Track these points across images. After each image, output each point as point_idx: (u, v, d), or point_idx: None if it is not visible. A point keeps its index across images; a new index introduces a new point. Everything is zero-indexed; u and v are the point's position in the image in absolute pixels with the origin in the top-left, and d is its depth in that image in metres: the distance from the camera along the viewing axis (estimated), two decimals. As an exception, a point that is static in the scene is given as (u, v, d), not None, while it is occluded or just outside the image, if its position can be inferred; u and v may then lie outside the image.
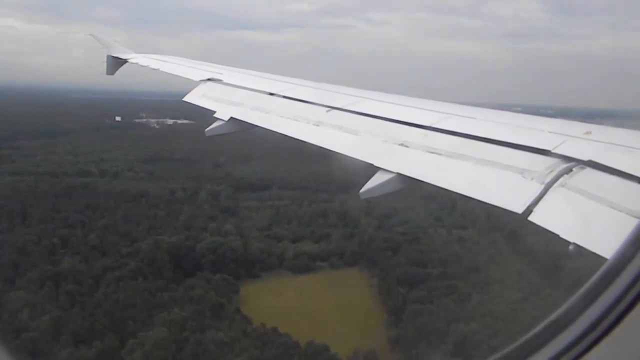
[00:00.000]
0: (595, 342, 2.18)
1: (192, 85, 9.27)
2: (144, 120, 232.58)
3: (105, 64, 12.66)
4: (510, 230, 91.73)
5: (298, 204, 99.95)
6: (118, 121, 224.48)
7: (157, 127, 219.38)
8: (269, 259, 73.49)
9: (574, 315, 2.27)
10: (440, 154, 4.71)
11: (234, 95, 7.98)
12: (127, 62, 12.22)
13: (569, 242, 3.20)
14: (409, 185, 4.70)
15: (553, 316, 2.36)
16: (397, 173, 4.70)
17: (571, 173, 3.74)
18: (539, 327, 2.39)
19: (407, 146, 5.03)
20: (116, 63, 12.33)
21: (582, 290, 2.30)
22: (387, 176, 4.71)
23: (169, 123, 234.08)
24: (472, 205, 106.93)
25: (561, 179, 3.71)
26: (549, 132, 4.48)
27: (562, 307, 2.34)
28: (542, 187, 3.70)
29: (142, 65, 11.42)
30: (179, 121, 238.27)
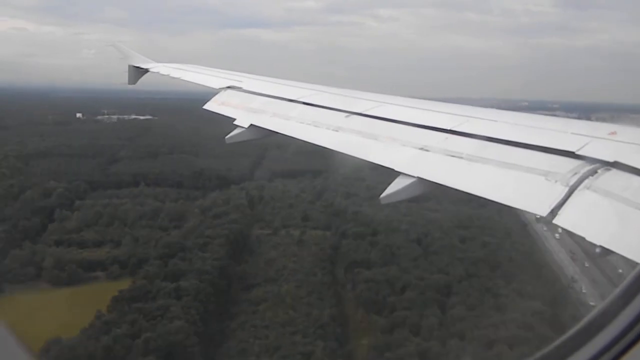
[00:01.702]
0: (632, 343, 2.13)
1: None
2: (105, 116, 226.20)
3: (126, 73, 12.19)
4: (342, 231, 77.56)
5: (140, 202, 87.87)
6: (78, 118, 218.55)
7: (108, 122, 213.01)
8: (24, 269, 61.48)
9: (609, 317, 2.21)
10: (461, 158, 4.39)
11: (254, 102, 7.48)
12: (148, 71, 11.74)
13: (595, 245, 2.95)
14: (430, 190, 4.39)
15: (589, 317, 2.32)
16: (418, 177, 4.36)
17: (596, 175, 3.47)
18: (576, 329, 2.33)
19: (427, 150, 4.69)
20: (137, 72, 11.81)
21: (616, 292, 2.27)
22: (407, 181, 4.37)
23: (128, 118, 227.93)
24: (318, 206, 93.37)
25: (586, 181, 3.45)
26: (572, 133, 4.14)
27: (597, 308, 2.31)
28: (566, 189, 3.44)
29: (162, 74, 11.03)
30: (141, 117, 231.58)
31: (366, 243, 68.49)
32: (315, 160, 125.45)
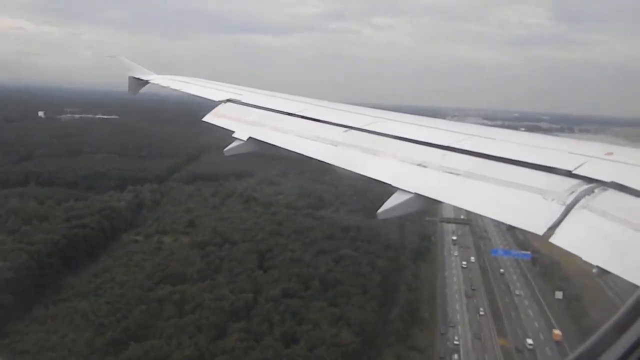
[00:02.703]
0: None
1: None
2: (68, 115, 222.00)
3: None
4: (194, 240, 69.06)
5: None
6: (39, 116, 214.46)
7: (68, 120, 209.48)
8: None
9: (602, 346, 2.19)
10: (458, 175, 4.33)
11: (253, 115, 7.48)
12: (148, 82, 11.81)
13: (592, 265, 2.98)
14: (427, 206, 4.38)
15: (581, 348, 2.27)
16: (416, 193, 4.29)
17: (593, 194, 3.47)
18: (570, 358, 2.32)
19: (425, 166, 4.65)
20: (138, 84, 11.87)
21: (611, 321, 2.21)
22: (405, 196, 4.30)
23: (93, 117, 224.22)
24: (217, 211, 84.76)
25: (582, 201, 3.45)
26: (569, 152, 4.16)
27: (591, 338, 2.24)
28: (563, 208, 3.44)
29: (163, 86, 11.11)
30: (105, 116, 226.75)
31: (201, 254, 60.18)
32: (250, 163, 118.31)
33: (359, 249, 64.73)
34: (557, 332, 56.54)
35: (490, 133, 5.17)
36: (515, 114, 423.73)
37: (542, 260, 75.40)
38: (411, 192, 4.26)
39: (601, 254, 2.99)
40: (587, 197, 3.41)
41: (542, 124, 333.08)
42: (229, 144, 6.64)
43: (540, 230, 3.32)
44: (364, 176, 4.90)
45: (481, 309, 62.30)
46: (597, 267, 2.90)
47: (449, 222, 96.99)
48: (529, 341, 55.01)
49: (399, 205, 4.24)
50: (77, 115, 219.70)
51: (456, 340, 54.10)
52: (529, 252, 77.25)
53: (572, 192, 3.49)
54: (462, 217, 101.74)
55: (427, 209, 4.50)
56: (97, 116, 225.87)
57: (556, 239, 3.23)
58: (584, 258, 2.98)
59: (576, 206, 3.37)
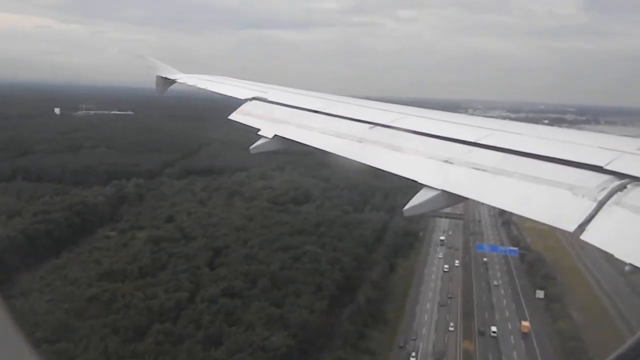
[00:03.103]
0: None
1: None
2: (83, 112, 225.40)
3: (155, 84, 12.42)
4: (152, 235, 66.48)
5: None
6: (55, 113, 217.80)
7: (82, 116, 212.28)
8: None
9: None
10: (485, 171, 4.26)
11: (278, 113, 7.49)
12: (175, 82, 11.84)
13: (624, 263, 2.92)
14: (453, 202, 4.31)
15: (618, 352, 2.22)
16: (442, 190, 4.20)
17: (625, 190, 3.40)
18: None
19: (451, 163, 4.57)
20: (165, 83, 11.93)
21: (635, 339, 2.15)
22: (431, 193, 4.21)
23: (108, 113, 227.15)
24: (201, 205, 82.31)
25: (615, 197, 3.39)
26: (600, 147, 4.07)
27: (629, 342, 2.20)
28: (594, 204, 3.37)
29: (189, 85, 11.28)
30: (119, 112, 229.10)
31: (153, 249, 57.79)
32: (251, 157, 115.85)
33: (325, 245, 61.17)
34: (525, 323, 54.58)
35: (517, 128, 5.14)
36: (541, 106, 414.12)
37: (530, 257, 70.47)
38: (437, 189, 4.15)
39: (634, 251, 2.89)
40: (619, 193, 3.34)
41: (568, 116, 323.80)
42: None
43: (570, 227, 3.23)
44: (391, 173, 4.80)
45: (452, 323, 56.09)
46: (630, 264, 2.81)
47: (441, 217, 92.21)
48: (493, 329, 54.31)
49: (425, 202, 4.14)
50: (92, 112, 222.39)
51: (412, 357, 49.10)
52: (516, 249, 72.37)
53: (604, 188, 3.41)
54: (458, 213, 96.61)
55: (453, 205, 4.42)
56: (112, 112, 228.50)
57: (587, 236, 3.12)
58: (617, 255, 2.89)
59: (608, 202, 3.30)
